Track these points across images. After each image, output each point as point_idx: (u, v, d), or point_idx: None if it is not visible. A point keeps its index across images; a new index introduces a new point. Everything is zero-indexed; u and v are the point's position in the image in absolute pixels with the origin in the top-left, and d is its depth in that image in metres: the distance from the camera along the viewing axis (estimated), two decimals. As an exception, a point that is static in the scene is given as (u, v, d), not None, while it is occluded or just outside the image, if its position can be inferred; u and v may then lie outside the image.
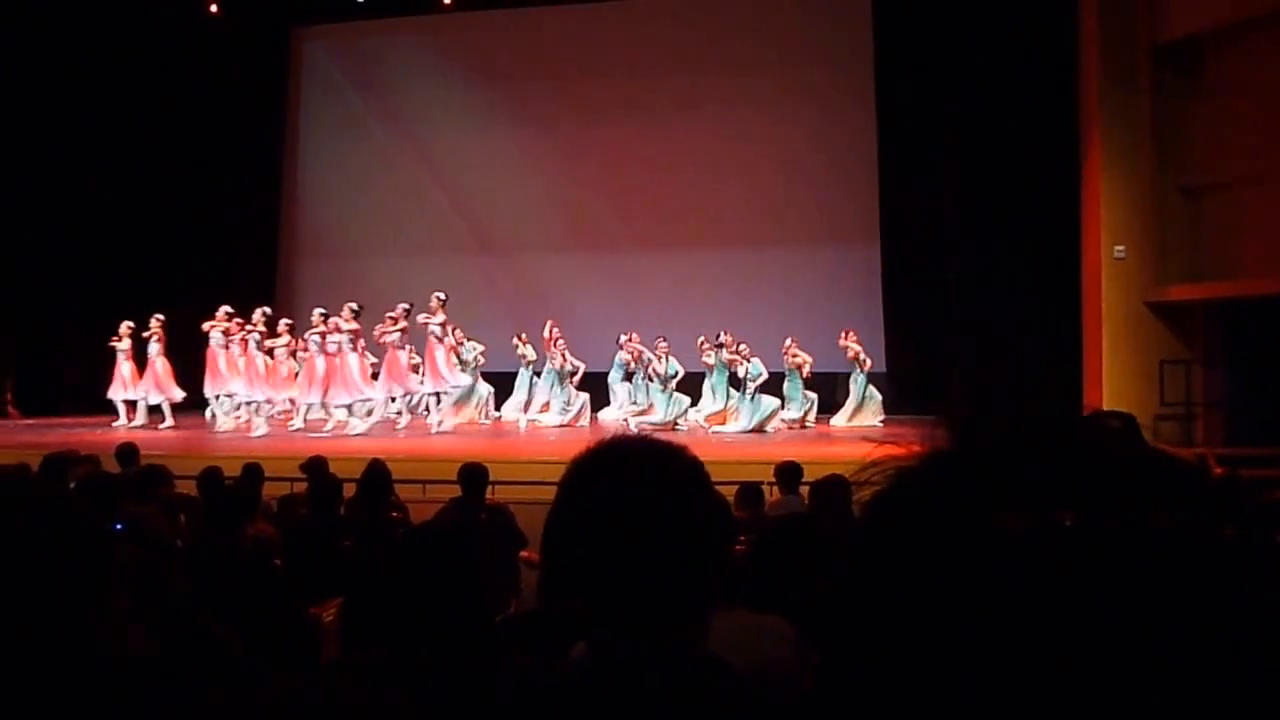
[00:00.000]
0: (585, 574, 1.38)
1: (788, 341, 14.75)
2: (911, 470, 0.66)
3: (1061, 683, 0.56)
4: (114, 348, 15.12)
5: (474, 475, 6.99)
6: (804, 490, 7.12)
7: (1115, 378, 12.43)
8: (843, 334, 15.04)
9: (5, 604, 1.96)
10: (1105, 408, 11.55)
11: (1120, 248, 12.55)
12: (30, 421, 15.52)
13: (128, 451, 8.47)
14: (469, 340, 15.59)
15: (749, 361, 14.28)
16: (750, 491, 6.99)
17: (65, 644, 1.94)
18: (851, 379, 15.05)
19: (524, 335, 15.93)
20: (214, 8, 17.57)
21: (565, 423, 15.04)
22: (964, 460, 0.64)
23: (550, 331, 15.27)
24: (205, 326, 14.93)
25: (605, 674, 1.34)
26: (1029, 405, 0.67)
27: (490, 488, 7.36)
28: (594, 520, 1.37)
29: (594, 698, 1.34)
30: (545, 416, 15.34)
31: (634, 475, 1.39)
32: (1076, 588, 0.57)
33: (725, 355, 14.39)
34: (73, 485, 5.85)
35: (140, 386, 15.14)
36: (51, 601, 1.97)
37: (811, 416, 14.91)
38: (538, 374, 15.80)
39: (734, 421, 14.39)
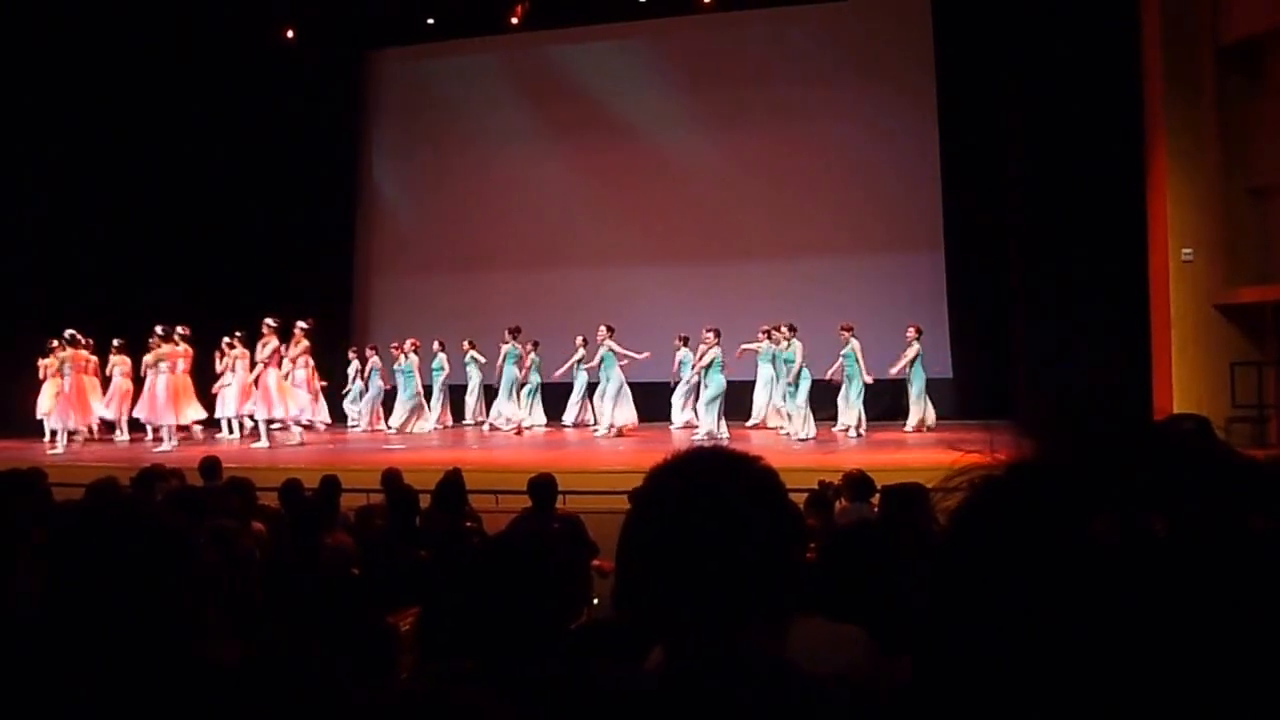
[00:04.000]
0: (663, 581, 1.40)
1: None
2: (999, 479, 0.65)
3: (1163, 693, 0.56)
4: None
5: (543, 487, 7.03)
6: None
7: (1185, 381, 12.22)
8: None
9: (100, 613, 2.03)
10: (1176, 411, 11.35)
11: (1188, 250, 12.35)
12: (113, 438, 15.87)
13: (211, 465, 8.63)
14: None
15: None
16: (819, 499, 6.99)
17: (158, 651, 2.00)
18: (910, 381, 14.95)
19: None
20: (290, 34, 17.96)
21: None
22: (1053, 468, 0.64)
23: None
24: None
25: (683, 681, 1.35)
26: (1103, 410, 0.66)
27: (561, 498, 7.42)
28: (672, 527, 1.39)
29: (672, 705, 1.35)
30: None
31: (711, 483, 1.41)
32: (1174, 595, 0.56)
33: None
34: (159, 499, 5.99)
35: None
36: (143, 610, 2.03)
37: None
38: (593, 385, 15.92)
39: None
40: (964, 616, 0.62)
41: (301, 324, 15.40)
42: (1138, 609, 0.56)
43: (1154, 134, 12.83)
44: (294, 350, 15.25)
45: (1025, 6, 14.36)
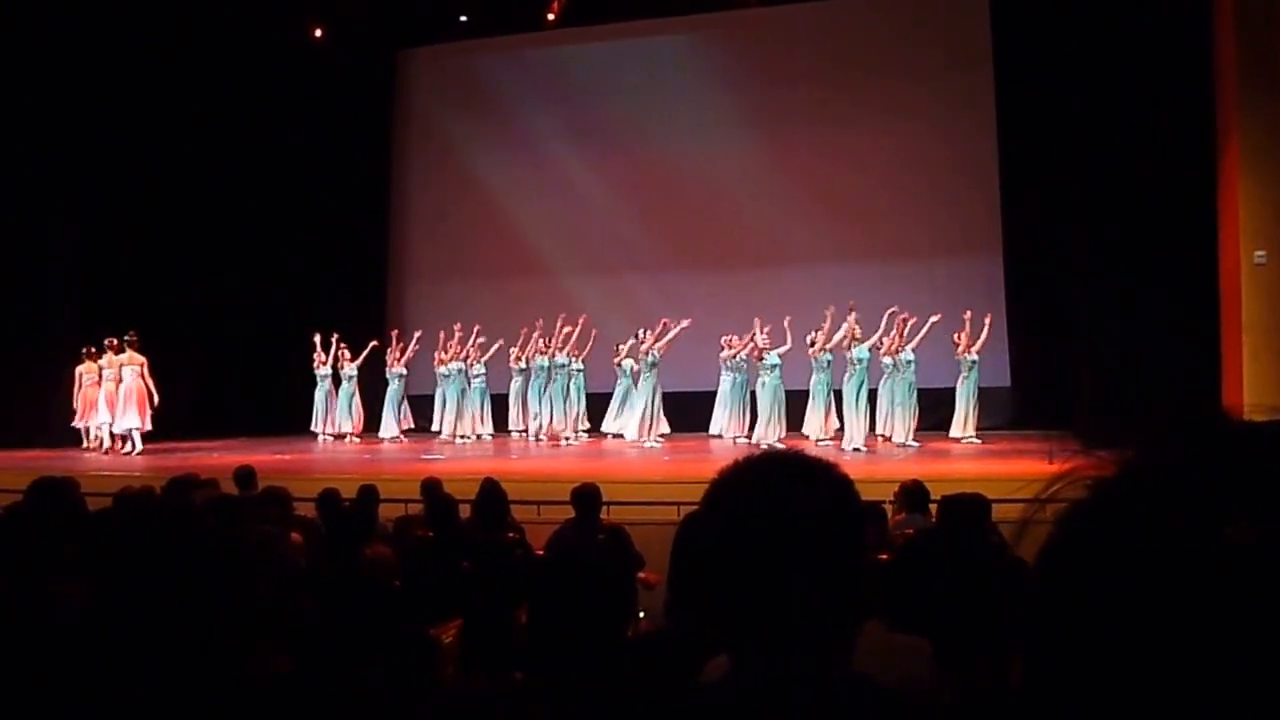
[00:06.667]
0: (731, 591, 1.35)
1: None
2: (1112, 484, 0.63)
3: None
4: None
5: (587, 497, 6.92)
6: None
7: (1257, 388, 11.91)
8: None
9: (147, 623, 1.96)
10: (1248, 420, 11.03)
11: (1261, 253, 12.03)
12: (149, 445, 15.96)
13: (246, 474, 8.60)
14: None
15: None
16: (874, 510, 6.83)
17: (206, 662, 1.94)
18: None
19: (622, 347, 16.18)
20: (318, 33, 18.02)
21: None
22: (1171, 472, 0.61)
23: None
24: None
25: (752, 692, 1.30)
26: (1190, 416, 0.64)
27: (605, 509, 7.30)
28: (745, 535, 1.34)
29: (741, 716, 1.30)
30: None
31: (786, 491, 1.35)
32: None
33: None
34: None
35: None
36: (190, 620, 1.97)
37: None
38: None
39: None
40: (1088, 623, 0.60)
41: (128, 336, 15.46)
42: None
43: (1226, 133, 12.54)
44: (119, 360, 15.39)
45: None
